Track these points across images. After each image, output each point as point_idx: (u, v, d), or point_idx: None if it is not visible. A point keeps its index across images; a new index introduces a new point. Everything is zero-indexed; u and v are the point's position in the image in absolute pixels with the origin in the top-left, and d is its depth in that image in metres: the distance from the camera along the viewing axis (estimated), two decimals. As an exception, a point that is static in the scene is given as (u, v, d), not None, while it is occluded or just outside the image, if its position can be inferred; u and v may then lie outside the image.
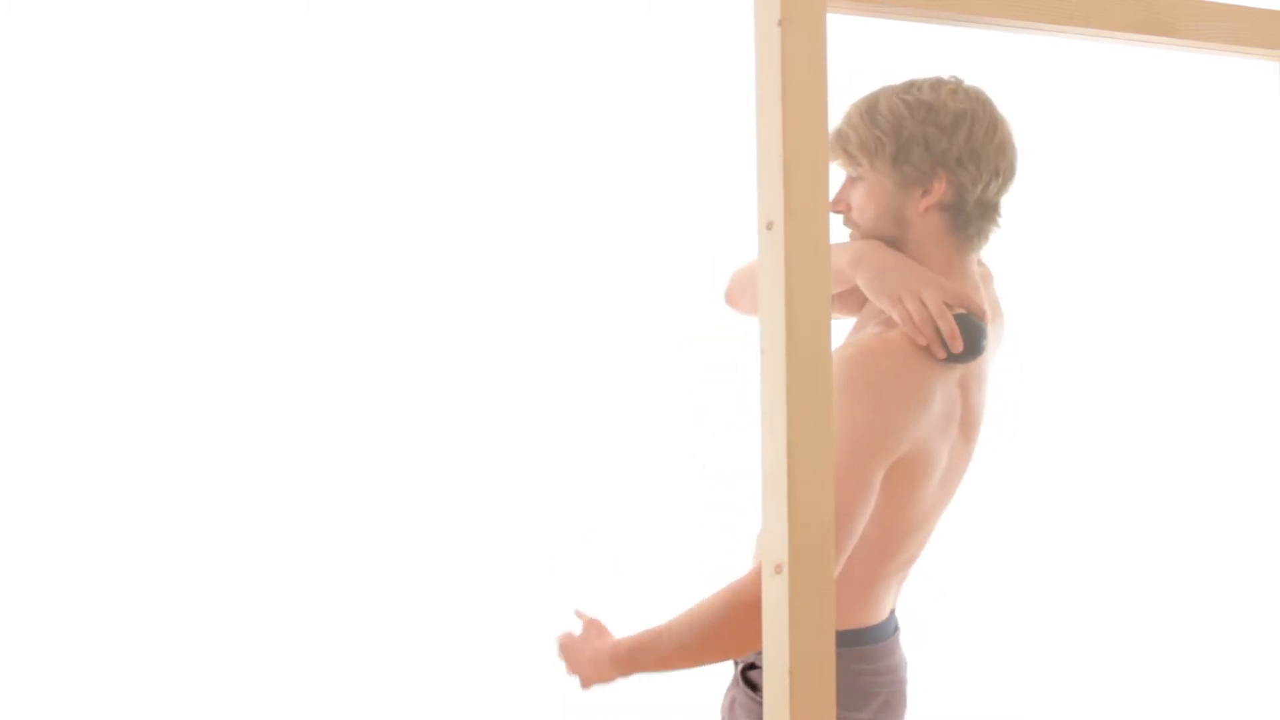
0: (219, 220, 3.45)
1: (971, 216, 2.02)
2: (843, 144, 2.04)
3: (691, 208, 3.47)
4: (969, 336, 1.97)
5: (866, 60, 3.54)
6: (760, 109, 1.18)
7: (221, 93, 3.44)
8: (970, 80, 2.07)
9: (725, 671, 2.21)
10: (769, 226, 1.18)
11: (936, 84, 2.02)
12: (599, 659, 2.02)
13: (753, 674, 2.11)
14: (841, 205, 2.07)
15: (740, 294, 2.33)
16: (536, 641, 3.59)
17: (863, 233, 2.05)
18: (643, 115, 3.45)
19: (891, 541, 2.04)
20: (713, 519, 3.59)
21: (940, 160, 1.98)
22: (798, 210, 1.17)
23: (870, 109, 2.02)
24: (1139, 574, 3.77)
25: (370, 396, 3.53)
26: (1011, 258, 3.77)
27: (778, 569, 1.17)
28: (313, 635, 3.47)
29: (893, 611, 2.16)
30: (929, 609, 3.44)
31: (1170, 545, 3.77)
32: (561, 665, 2.10)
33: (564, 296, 3.57)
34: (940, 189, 1.99)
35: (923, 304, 1.96)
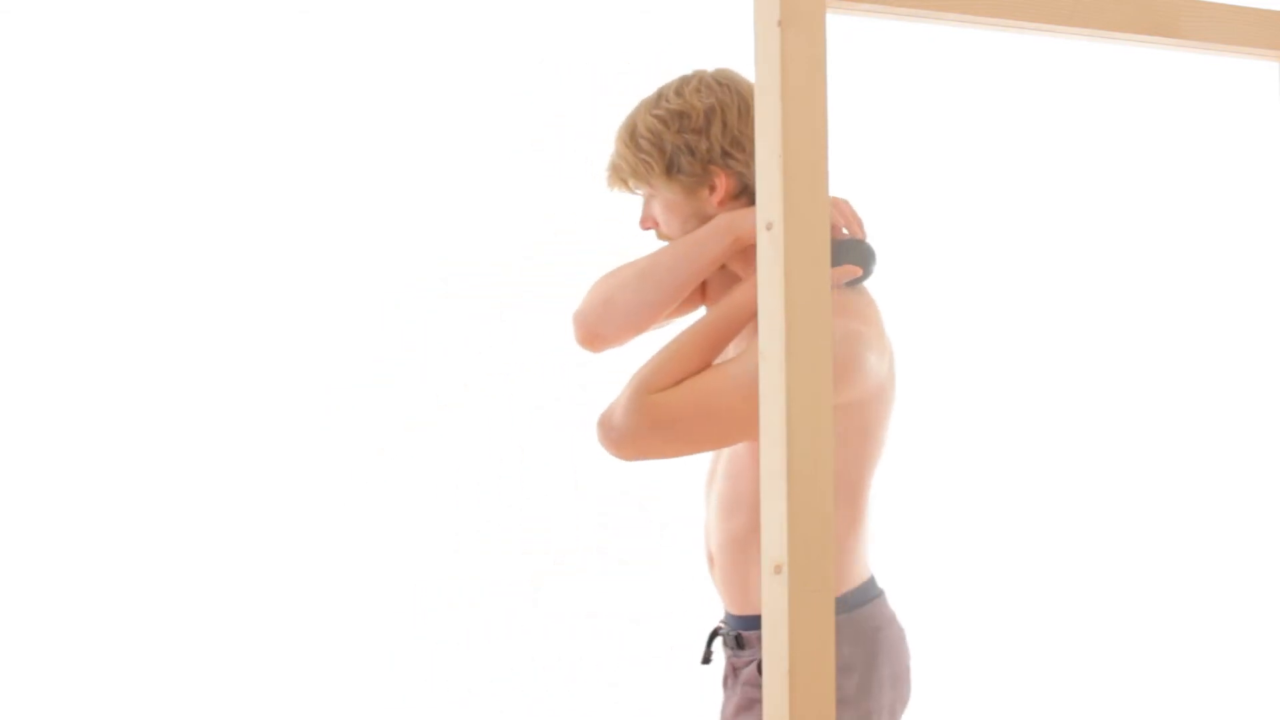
0: (212, 220, 3.45)
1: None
2: (618, 174, 2.09)
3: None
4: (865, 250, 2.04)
5: (866, 60, 3.54)
6: (760, 109, 1.18)
7: (197, 96, 3.44)
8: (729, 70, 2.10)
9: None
10: (769, 226, 1.18)
11: (681, 86, 2.05)
12: None
13: None
14: (649, 222, 2.12)
15: (606, 315, 2.14)
16: (531, 643, 3.59)
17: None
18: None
19: (865, 487, 2.05)
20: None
21: (708, 159, 2.02)
22: (798, 210, 1.17)
23: (631, 134, 2.06)
24: (1137, 574, 3.77)
25: (364, 396, 3.53)
26: (1011, 258, 3.77)
27: (777, 569, 1.17)
28: (307, 637, 3.48)
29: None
30: (928, 608, 3.44)
31: (1169, 545, 3.77)
32: None
33: (563, 296, 3.57)
34: (723, 182, 2.03)
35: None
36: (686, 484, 3.57)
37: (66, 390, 3.35)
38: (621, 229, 3.45)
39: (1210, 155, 3.73)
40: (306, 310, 3.50)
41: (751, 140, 2.04)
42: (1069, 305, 3.79)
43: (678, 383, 1.96)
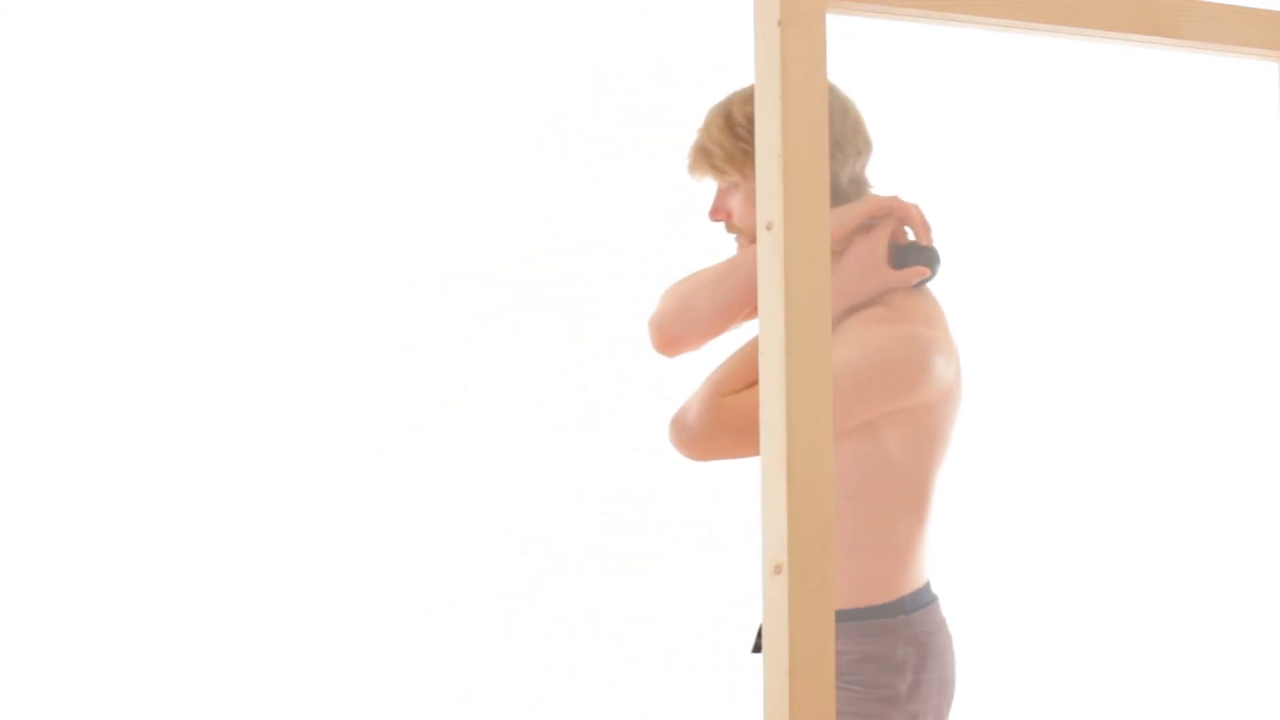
0: (212, 220, 3.45)
1: (848, 194, 2.06)
2: (708, 159, 2.07)
3: (691, 208, 3.47)
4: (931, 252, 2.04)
5: (866, 60, 3.54)
6: (760, 109, 1.18)
7: (192, 97, 3.44)
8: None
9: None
10: (769, 227, 1.18)
11: None
12: None
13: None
14: (721, 214, 2.11)
15: (683, 319, 2.13)
16: (529, 644, 3.59)
17: (749, 238, 2.08)
18: (643, 116, 3.45)
19: (932, 490, 2.05)
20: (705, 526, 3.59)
21: None
22: (798, 210, 1.17)
23: (727, 120, 2.05)
24: (1138, 574, 3.77)
25: (364, 396, 3.53)
26: (1012, 258, 3.77)
27: (777, 569, 1.16)
28: (307, 637, 3.47)
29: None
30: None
31: (1169, 544, 3.77)
32: None
33: (559, 297, 3.57)
34: None
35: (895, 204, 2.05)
36: (686, 484, 3.57)
37: (66, 391, 3.35)
38: (622, 229, 3.45)
39: (1210, 156, 3.73)
40: (306, 310, 3.49)
41: (850, 144, 2.05)
42: (1067, 305, 3.78)
43: (750, 385, 1.97)
